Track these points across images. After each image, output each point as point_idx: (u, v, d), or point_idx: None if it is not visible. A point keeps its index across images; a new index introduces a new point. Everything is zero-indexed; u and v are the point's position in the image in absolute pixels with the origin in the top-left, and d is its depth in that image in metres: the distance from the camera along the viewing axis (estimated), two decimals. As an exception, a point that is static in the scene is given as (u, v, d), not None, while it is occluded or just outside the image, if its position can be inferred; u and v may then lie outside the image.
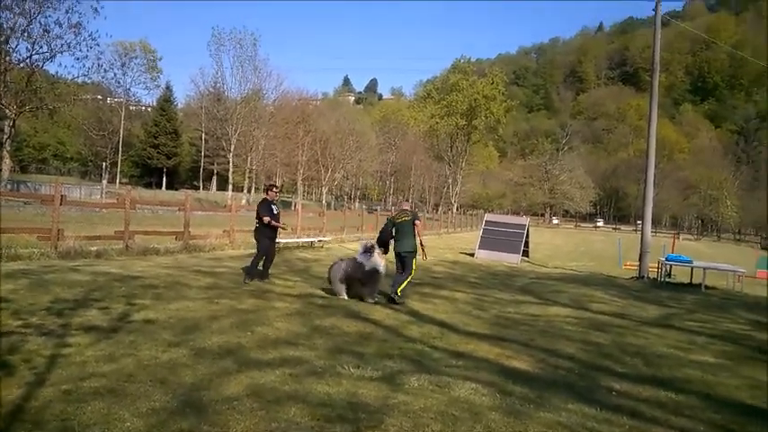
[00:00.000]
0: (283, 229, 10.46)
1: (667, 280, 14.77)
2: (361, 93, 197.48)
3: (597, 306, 9.80)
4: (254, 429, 3.37)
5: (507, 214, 66.15)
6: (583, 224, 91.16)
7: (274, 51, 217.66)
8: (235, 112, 56.51)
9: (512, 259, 18.56)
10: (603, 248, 31.43)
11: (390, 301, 8.26)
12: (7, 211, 22.43)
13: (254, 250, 9.79)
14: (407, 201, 11.70)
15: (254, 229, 9.86)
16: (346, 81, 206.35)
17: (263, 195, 10.29)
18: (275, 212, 9.69)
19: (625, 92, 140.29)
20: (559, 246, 32.71)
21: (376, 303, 8.19)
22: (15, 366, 4.14)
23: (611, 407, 4.32)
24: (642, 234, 16.40)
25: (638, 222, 43.36)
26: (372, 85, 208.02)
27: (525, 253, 19.86)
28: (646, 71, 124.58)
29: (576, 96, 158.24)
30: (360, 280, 8.37)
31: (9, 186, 37.48)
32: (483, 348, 5.93)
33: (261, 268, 9.59)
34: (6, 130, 40.68)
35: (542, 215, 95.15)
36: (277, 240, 15.61)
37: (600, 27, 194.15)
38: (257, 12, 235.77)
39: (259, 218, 9.49)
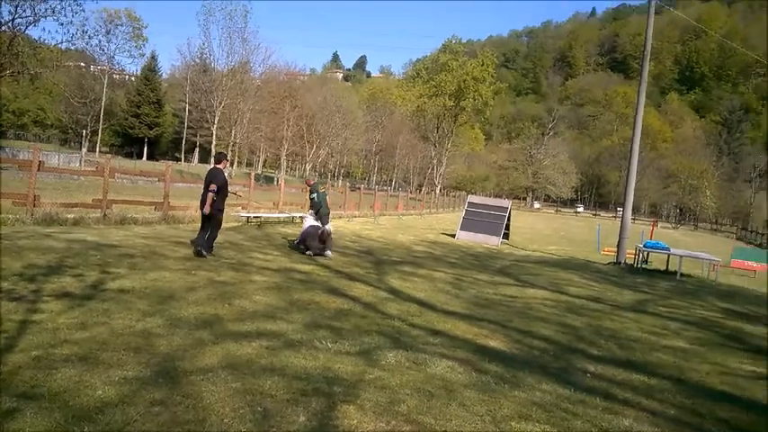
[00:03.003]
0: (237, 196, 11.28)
1: (644, 266, 14.94)
2: (349, 69, 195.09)
3: (574, 290, 9.91)
4: (229, 401, 3.34)
5: (490, 197, 66.47)
6: (563, 209, 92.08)
7: (264, 24, 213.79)
8: (220, 83, 55.41)
9: (492, 241, 18.65)
10: (583, 234, 31.78)
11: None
12: (-18, 176, 21.96)
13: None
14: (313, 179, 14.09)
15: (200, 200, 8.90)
16: (335, 57, 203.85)
17: (213, 165, 9.58)
18: (226, 181, 8.86)
19: (613, 79, 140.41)
20: (540, 230, 32.97)
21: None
22: (-16, 331, 4.04)
23: (585, 388, 4.37)
24: (622, 220, 16.50)
25: (618, 209, 43.92)
26: (361, 63, 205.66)
27: (506, 236, 19.97)
28: (635, 59, 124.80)
29: (564, 81, 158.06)
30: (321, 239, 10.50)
31: (-14, 151, 36.59)
32: (460, 327, 5.96)
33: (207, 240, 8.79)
34: (-14, 94, 39.63)
35: (524, 199, 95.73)
36: (258, 215, 15.69)
37: (593, 12, 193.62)
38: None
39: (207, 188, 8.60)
